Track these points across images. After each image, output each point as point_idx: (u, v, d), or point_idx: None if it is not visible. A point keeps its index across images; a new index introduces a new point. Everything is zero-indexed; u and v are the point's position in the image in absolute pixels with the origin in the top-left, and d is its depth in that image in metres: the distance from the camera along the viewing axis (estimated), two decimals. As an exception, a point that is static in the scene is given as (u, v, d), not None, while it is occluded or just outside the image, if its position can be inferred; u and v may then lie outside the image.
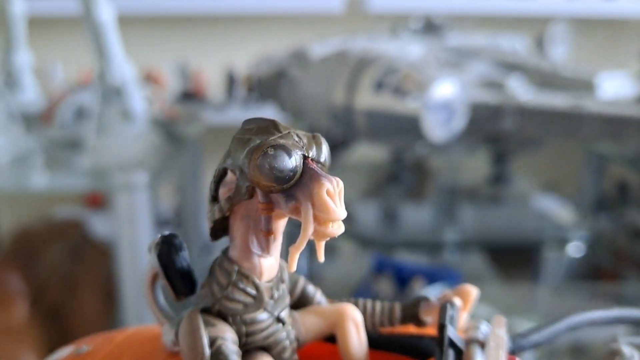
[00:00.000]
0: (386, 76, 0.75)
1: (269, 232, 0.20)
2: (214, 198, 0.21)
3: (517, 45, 1.11)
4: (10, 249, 1.06)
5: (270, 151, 0.18)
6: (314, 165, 0.19)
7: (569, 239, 0.91)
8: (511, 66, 0.91)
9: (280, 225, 0.21)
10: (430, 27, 1.06)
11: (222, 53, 1.58)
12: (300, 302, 0.23)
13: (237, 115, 1.45)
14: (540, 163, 1.38)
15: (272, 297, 0.21)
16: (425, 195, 1.15)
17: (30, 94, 1.16)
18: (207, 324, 0.20)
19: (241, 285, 0.20)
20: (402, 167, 1.04)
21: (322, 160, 0.20)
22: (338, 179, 0.19)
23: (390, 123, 0.75)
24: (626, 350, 0.22)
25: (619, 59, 1.55)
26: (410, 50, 0.94)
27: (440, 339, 0.20)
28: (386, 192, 1.05)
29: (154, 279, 0.22)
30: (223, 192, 0.21)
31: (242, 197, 0.20)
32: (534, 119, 0.78)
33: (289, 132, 0.20)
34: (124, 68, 0.95)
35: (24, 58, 1.13)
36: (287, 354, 0.21)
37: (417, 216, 1.04)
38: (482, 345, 0.20)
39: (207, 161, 1.32)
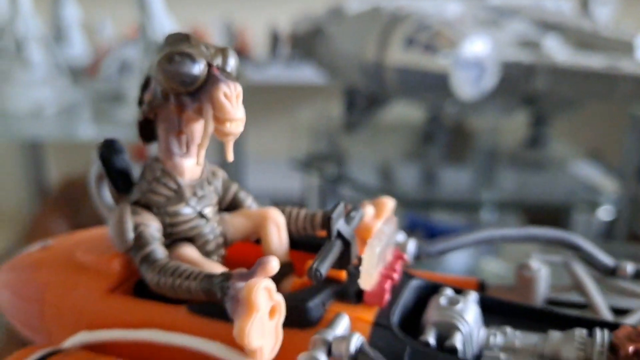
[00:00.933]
0: (417, 33, 0.75)
1: (180, 132, 0.22)
2: (140, 102, 0.23)
3: (562, 5, 1.08)
4: (57, 196, 1.12)
5: (177, 58, 0.20)
6: (217, 72, 0.21)
7: (600, 202, 0.90)
8: (550, 26, 0.89)
9: (195, 128, 0.23)
10: (472, -15, 1.04)
11: (267, 12, 1.59)
12: (232, 206, 0.26)
13: (280, 73, 1.46)
14: (584, 129, 1.34)
15: (194, 194, 0.23)
16: (464, 157, 1.14)
17: (78, 48, 1.20)
18: (134, 213, 0.22)
19: (163, 181, 0.23)
20: (439, 128, 1.03)
21: (227, 69, 0.22)
22: (237, 84, 0.20)
23: (419, 79, 0.75)
24: (534, 264, 0.23)
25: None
26: (449, 8, 0.93)
27: (328, 230, 0.22)
28: (425, 153, 1.06)
29: (100, 179, 0.25)
30: (147, 97, 0.23)
31: (158, 100, 0.22)
32: (567, 79, 0.77)
33: (198, 44, 0.21)
34: (164, 23, 0.97)
35: (72, 13, 1.17)
36: (210, 246, 0.23)
37: (455, 178, 1.04)
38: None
39: (248, 118, 1.34)
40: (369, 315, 0.21)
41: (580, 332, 0.20)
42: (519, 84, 0.80)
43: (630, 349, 0.18)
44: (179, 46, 0.21)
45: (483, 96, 0.77)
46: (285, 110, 1.26)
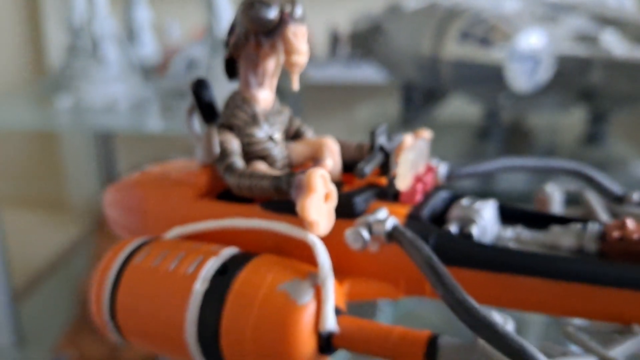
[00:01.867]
0: (472, 27, 0.77)
1: (257, 65, 0.26)
2: (227, 44, 0.28)
3: (625, 3, 1.07)
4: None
5: (257, 5, 0.25)
6: (287, 17, 0.25)
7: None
8: (609, 21, 0.89)
9: (269, 62, 0.27)
10: (530, -18, 1.05)
11: (327, 12, 1.63)
12: (296, 136, 0.30)
13: (339, 73, 1.49)
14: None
15: (267, 120, 0.27)
16: (522, 155, 1.15)
17: (149, 48, 1.27)
18: (219, 133, 0.27)
19: (243, 107, 0.27)
20: (495, 124, 1.04)
21: (296, 15, 0.26)
22: (303, 26, 0.25)
23: (475, 72, 0.77)
24: (549, 188, 0.25)
25: None
26: (506, 4, 0.94)
27: (372, 143, 0.27)
28: (481, 150, 1.07)
29: (192, 110, 0.30)
30: (232, 40, 0.27)
31: (241, 40, 0.27)
32: (624, 73, 0.77)
33: None
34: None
35: (143, 15, 1.24)
36: (278, 165, 0.28)
37: (512, 176, 1.05)
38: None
39: (307, 115, 1.39)
40: (403, 210, 0.25)
41: (577, 225, 0.23)
42: (575, 78, 0.81)
43: (615, 234, 0.21)
44: None
45: (538, 89, 0.78)
46: (344, 109, 1.29)
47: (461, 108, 1.07)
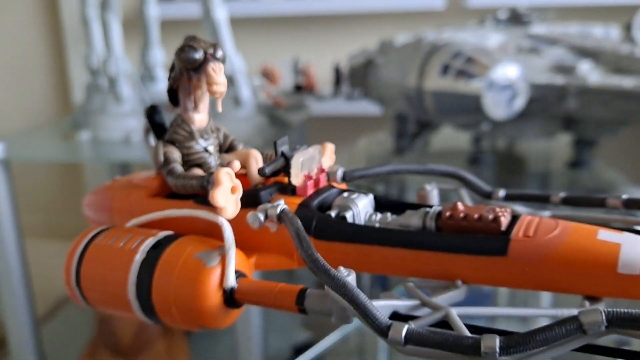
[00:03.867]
0: (452, 60, 0.83)
1: (190, 94, 0.33)
2: (169, 78, 0.35)
3: (611, 33, 1.12)
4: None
5: (186, 49, 0.32)
6: (209, 57, 0.33)
7: None
8: (588, 52, 0.95)
9: (199, 91, 0.33)
10: (516, 17, 1.11)
11: (331, 50, 1.71)
12: (229, 149, 0.36)
13: (341, 106, 1.57)
14: (635, 155, 1.35)
15: (202, 136, 0.33)
16: (513, 181, 1.19)
17: (163, 85, 1.35)
18: (164, 146, 0.34)
19: (182, 126, 0.33)
20: (481, 150, 1.09)
21: (216, 55, 0.33)
22: (220, 63, 0.31)
23: (454, 102, 0.83)
24: (428, 187, 0.31)
25: None
26: (491, 38, 1.00)
27: (275, 151, 0.33)
28: (475, 175, 1.11)
29: (147, 130, 0.37)
30: (172, 75, 0.33)
31: (178, 75, 0.34)
32: (597, 99, 0.82)
33: (199, 41, 0.33)
34: (234, 60, 1.10)
35: (157, 54, 1.33)
36: (212, 171, 0.34)
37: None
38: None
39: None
40: (297, 200, 0.32)
41: (424, 209, 0.29)
42: (553, 105, 0.86)
43: (447, 213, 0.27)
44: (189, 42, 0.33)
45: (515, 117, 0.84)
46: (345, 140, 1.36)
47: (454, 136, 1.13)
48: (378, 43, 1.09)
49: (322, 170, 0.35)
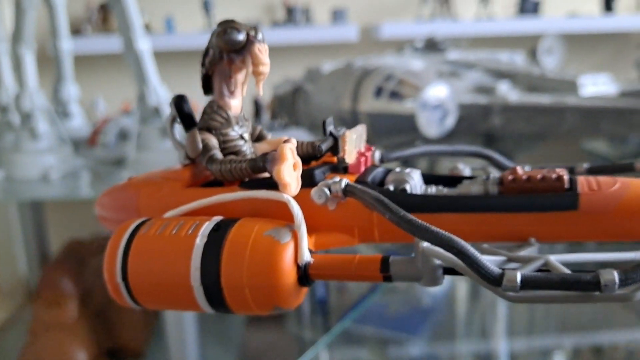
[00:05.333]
0: (385, 82, 0.86)
1: (229, 78, 0.32)
2: (203, 64, 0.34)
3: (516, 59, 1.21)
4: (62, 255, 1.19)
5: (229, 30, 0.32)
6: (252, 38, 0.32)
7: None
8: (503, 74, 1.01)
9: (240, 75, 0.32)
10: (432, 45, 1.17)
11: (250, 83, 1.72)
12: (258, 138, 0.36)
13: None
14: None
15: (237, 123, 0.33)
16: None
17: (78, 121, 1.30)
18: (200, 133, 0.32)
19: (219, 112, 0.32)
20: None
21: (259, 37, 0.33)
22: (265, 45, 0.31)
23: (389, 122, 0.85)
24: (460, 165, 0.32)
25: (616, 70, 1.64)
26: (412, 63, 1.04)
27: (324, 130, 0.33)
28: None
29: (173, 120, 0.35)
30: (207, 60, 0.33)
31: (215, 58, 0.33)
32: (519, 115, 0.87)
33: (239, 24, 0.32)
34: (160, 91, 1.08)
35: (71, 90, 1.28)
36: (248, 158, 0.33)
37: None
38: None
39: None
40: (352, 177, 0.32)
41: (481, 177, 0.30)
42: (478, 123, 0.91)
43: (509, 177, 0.28)
44: (230, 24, 0.32)
45: (447, 134, 0.88)
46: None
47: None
48: (304, 72, 1.11)
49: (369, 148, 0.35)
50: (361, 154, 0.34)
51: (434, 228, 0.25)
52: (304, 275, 0.29)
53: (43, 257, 1.43)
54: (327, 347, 0.93)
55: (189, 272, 0.28)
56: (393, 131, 0.87)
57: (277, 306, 0.28)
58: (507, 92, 0.92)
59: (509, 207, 0.28)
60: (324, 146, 0.33)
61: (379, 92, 0.86)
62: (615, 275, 0.22)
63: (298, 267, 0.28)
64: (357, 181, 0.32)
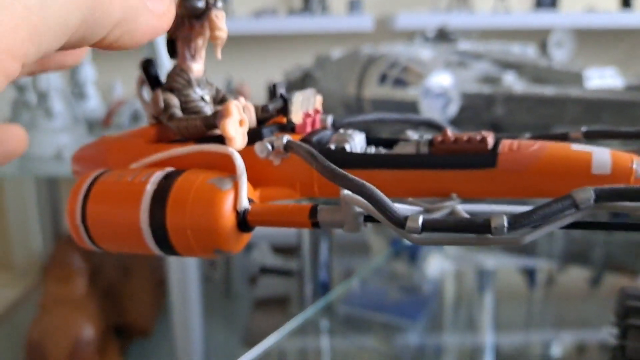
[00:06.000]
0: (389, 69, 0.87)
1: (190, 42, 0.34)
2: (167, 30, 0.36)
3: (528, 51, 1.21)
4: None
5: None
6: (211, 6, 0.34)
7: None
8: (511, 65, 1.02)
9: (199, 39, 0.34)
10: (443, 35, 1.18)
11: (264, 71, 1.74)
12: (221, 101, 0.37)
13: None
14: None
15: (199, 85, 0.35)
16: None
17: (93, 103, 1.33)
18: (163, 93, 0.34)
19: (181, 74, 0.34)
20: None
21: (217, 5, 0.34)
22: (223, 12, 0.32)
23: (392, 109, 0.86)
24: (410, 133, 0.34)
25: (632, 67, 1.63)
26: (422, 53, 1.05)
27: (273, 93, 0.35)
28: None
29: (142, 82, 0.37)
30: (173, 26, 0.34)
31: (178, 24, 0.34)
32: (522, 105, 0.88)
33: None
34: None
35: (87, 72, 1.31)
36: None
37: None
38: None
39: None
40: (297, 137, 0.33)
41: (416, 139, 0.31)
42: (482, 112, 0.91)
43: (439, 139, 0.30)
44: None
45: (450, 122, 0.88)
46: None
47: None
48: (314, 59, 1.12)
49: (317, 111, 0.37)
50: (307, 115, 0.35)
51: (350, 176, 0.27)
52: (243, 221, 0.30)
53: (57, 234, 1.47)
54: (328, 332, 0.95)
55: (138, 215, 0.31)
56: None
57: (217, 249, 0.30)
58: (512, 82, 0.93)
59: (434, 165, 0.30)
60: (271, 106, 0.34)
61: (383, 78, 0.88)
62: (505, 219, 0.24)
63: (237, 213, 0.30)
64: (302, 140, 0.33)
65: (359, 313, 1.00)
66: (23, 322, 1.29)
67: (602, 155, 0.28)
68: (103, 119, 1.27)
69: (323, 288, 1.10)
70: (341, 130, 0.35)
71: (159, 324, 1.31)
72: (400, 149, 0.32)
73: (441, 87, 0.86)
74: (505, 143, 0.30)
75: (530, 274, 1.11)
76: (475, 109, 0.91)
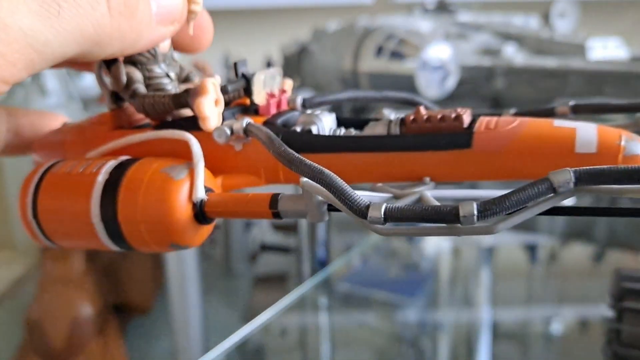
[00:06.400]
0: (385, 42, 0.85)
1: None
2: None
3: (530, 22, 1.18)
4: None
5: None
6: None
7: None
8: (512, 36, 0.99)
9: None
10: (443, 6, 1.15)
11: (262, 44, 1.71)
12: (186, 80, 0.35)
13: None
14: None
15: (164, 61, 0.32)
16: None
17: (89, 80, 1.31)
18: (125, 67, 0.32)
19: None
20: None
21: None
22: None
23: (389, 82, 0.84)
24: (386, 111, 0.32)
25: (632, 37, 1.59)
26: (421, 25, 1.03)
27: (235, 72, 0.32)
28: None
29: (100, 64, 0.34)
30: None
31: None
32: (523, 78, 0.86)
33: None
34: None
35: (84, 48, 1.29)
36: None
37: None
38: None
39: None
40: (261, 119, 0.31)
41: (387, 119, 0.29)
42: (481, 85, 0.89)
43: (410, 117, 0.27)
44: None
45: (448, 96, 0.86)
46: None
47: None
48: (311, 32, 1.10)
49: (283, 91, 0.34)
50: (271, 96, 0.33)
51: (308, 162, 0.25)
52: (200, 212, 0.28)
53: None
54: (328, 310, 0.94)
55: (89, 209, 0.28)
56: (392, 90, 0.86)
57: (173, 243, 0.28)
58: (513, 54, 0.90)
59: (405, 146, 0.27)
60: (231, 87, 0.31)
61: (379, 51, 0.85)
62: (474, 206, 0.21)
63: (193, 204, 0.28)
64: (265, 122, 0.31)
65: (357, 290, 0.99)
66: (27, 304, 1.29)
67: (586, 132, 0.25)
68: (99, 96, 1.26)
69: (321, 265, 1.09)
70: (309, 111, 0.33)
71: (159, 302, 1.31)
72: (370, 130, 0.30)
73: (439, 59, 0.83)
74: (483, 121, 0.27)
75: (531, 250, 1.09)
76: (474, 82, 0.89)
